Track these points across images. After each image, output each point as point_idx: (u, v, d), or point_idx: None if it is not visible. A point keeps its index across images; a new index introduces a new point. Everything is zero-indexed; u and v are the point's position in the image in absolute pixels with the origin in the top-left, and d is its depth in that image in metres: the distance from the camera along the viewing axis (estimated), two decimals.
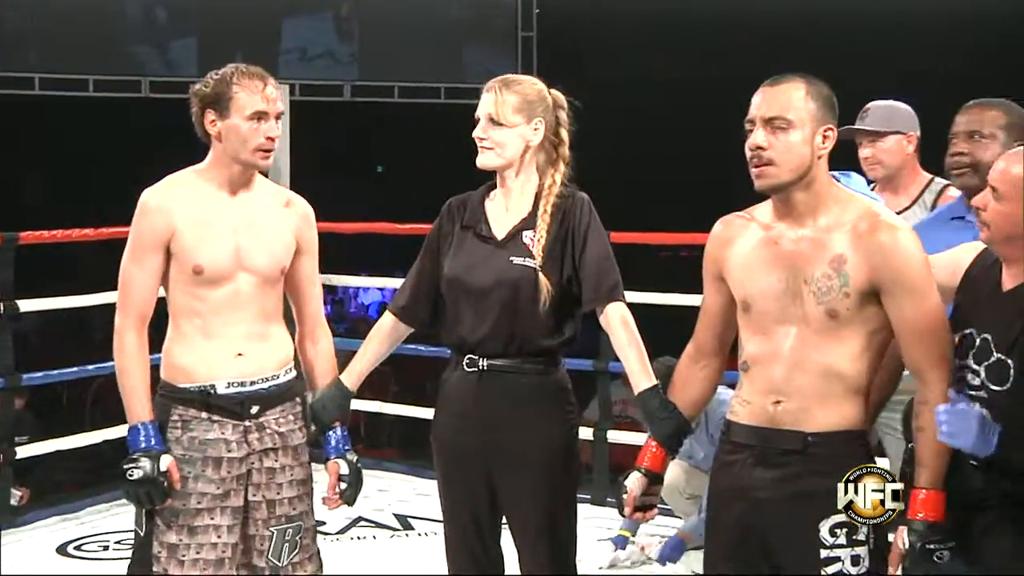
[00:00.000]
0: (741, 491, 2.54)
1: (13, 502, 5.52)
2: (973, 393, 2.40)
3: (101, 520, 4.92)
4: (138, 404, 2.82)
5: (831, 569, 2.46)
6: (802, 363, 2.48)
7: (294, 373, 2.97)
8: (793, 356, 2.49)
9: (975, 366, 2.41)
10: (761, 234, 2.57)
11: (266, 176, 2.97)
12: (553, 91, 2.94)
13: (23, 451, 5.12)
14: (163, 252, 2.83)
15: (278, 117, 2.85)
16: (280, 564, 2.87)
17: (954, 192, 3.56)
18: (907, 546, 2.42)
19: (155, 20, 11.81)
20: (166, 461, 2.79)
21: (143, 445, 2.79)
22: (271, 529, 2.87)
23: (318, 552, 2.98)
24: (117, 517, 4.93)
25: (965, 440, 2.33)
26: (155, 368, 2.90)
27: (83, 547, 4.73)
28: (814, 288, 2.47)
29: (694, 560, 4.41)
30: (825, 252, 2.48)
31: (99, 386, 8.81)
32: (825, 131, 2.50)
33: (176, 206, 2.83)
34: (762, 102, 2.50)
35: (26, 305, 5.00)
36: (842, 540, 2.46)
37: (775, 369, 2.51)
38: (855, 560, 2.46)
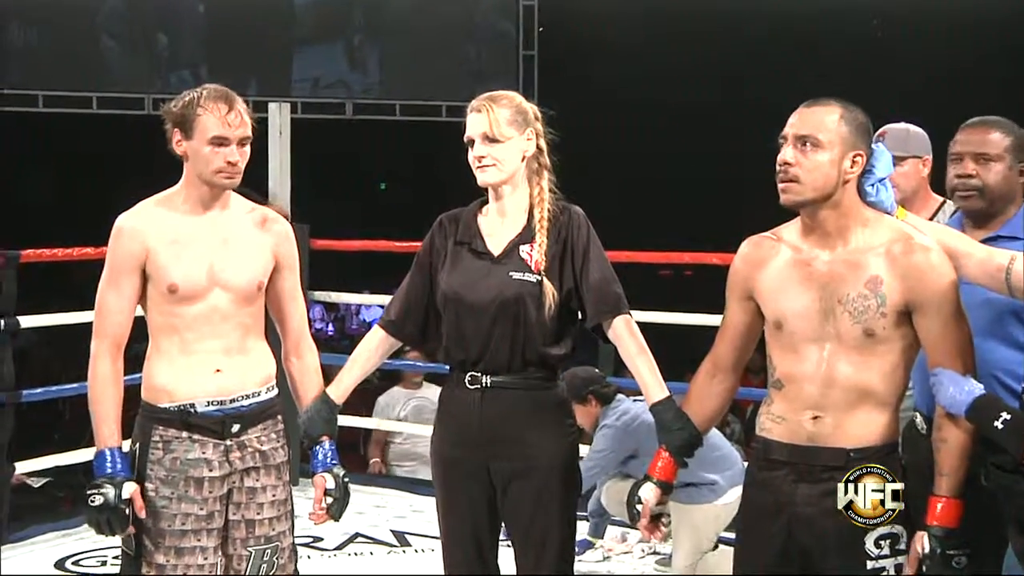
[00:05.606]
0: (782, 507, 2.59)
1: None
2: None
3: (99, 535, 4.92)
4: (106, 429, 2.81)
5: None
6: (837, 380, 2.55)
7: (276, 391, 2.95)
8: (828, 373, 2.56)
9: None
10: (791, 255, 2.63)
11: (266, 195, 2.98)
12: (528, 102, 2.95)
13: (23, 467, 5.12)
14: (139, 274, 2.83)
15: (242, 142, 2.82)
16: None
17: None
18: (927, 551, 2.48)
19: (159, 49, 12.00)
20: (129, 488, 2.78)
21: (108, 471, 2.78)
22: (249, 549, 2.86)
23: (296, 573, 2.96)
24: None
25: (941, 394, 2.50)
26: (137, 388, 2.89)
27: (81, 562, 4.73)
28: (850, 308, 2.54)
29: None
30: (860, 273, 2.55)
31: None
32: (855, 156, 2.56)
33: (149, 228, 2.84)
34: (796, 120, 2.58)
35: (27, 321, 5.02)
36: (886, 551, 2.54)
37: (810, 386, 2.57)
38: (898, 569, 2.54)
